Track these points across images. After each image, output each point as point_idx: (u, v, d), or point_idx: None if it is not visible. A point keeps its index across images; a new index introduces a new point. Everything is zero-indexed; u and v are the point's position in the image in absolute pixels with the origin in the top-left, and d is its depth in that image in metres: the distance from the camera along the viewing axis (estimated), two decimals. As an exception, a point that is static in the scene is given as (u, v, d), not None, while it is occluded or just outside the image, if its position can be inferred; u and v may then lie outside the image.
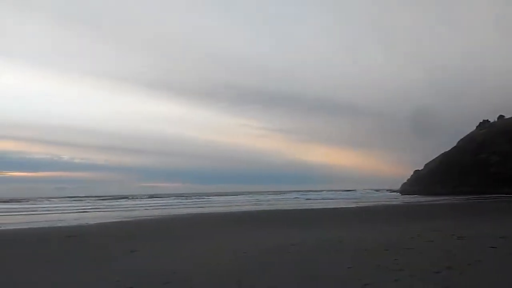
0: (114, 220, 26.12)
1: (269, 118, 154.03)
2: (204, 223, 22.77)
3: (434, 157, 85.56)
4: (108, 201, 66.70)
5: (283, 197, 75.28)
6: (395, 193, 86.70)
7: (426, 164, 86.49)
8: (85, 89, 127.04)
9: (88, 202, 60.46)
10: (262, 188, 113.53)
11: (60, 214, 33.59)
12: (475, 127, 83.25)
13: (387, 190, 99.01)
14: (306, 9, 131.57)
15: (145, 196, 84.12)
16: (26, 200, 67.56)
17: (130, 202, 61.99)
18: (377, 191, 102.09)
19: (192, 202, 60.64)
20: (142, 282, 7.89)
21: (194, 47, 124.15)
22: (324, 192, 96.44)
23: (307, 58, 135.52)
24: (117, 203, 60.51)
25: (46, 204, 55.59)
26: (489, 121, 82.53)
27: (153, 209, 42.22)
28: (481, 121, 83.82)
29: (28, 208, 45.24)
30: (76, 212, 36.52)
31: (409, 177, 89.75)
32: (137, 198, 75.82)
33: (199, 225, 21.71)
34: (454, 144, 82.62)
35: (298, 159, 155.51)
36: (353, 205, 40.63)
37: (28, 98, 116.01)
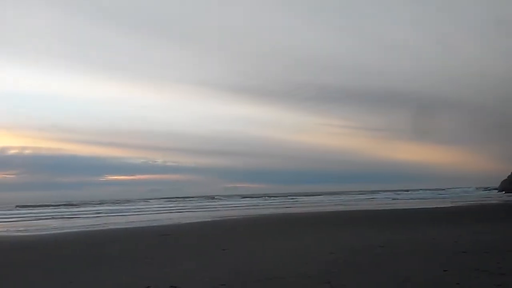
0: (204, 220, 27.15)
1: (353, 116, 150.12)
2: (291, 223, 22.85)
3: (539, 151, 77.96)
4: (197, 201, 69.49)
5: (370, 197, 73.22)
6: (493, 191, 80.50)
7: (529, 159, 79.18)
8: (174, 96, 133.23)
9: (180, 203, 63.42)
10: (349, 188, 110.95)
11: (155, 214, 35.61)
12: None
13: (485, 189, 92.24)
14: (391, 3, 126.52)
15: (233, 197, 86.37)
16: (126, 201, 72.42)
17: (218, 202, 64.08)
18: (477, 189, 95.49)
19: (279, 202, 61.14)
20: (234, 280, 8.10)
21: (273, 48, 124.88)
22: (415, 191, 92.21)
23: (392, 53, 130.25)
24: (206, 203, 62.83)
25: (142, 205, 59.16)
26: None
27: (240, 209, 43.23)
28: None
29: (127, 209, 48.48)
30: (169, 212, 38.48)
31: (509, 174, 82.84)
32: (224, 199, 78.11)
33: (285, 225, 21.84)
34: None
35: (385, 157, 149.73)
36: (447, 205, 38.40)
37: (124, 107, 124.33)
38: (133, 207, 53.04)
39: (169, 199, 79.04)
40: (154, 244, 14.75)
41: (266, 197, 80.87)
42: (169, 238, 16.71)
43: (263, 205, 51.02)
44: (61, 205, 61.05)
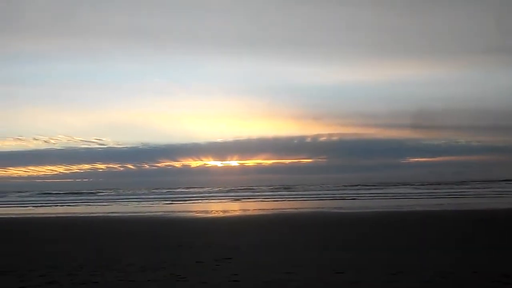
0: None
1: None
2: None
3: None
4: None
5: None
6: None
7: None
8: (476, 69, 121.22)
9: (486, 185, 57.76)
10: None
11: (462, 198, 33.94)
12: None
13: None
14: None
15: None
16: (431, 184, 70.38)
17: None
18: None
19: None
20: None
21: None
22: None
23: None
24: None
25: (447, 188, 56.76)
26: None
27: None
28: None
29: (431, 192, 47.71)
30: (477, 197, 35.88)
31: None
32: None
33: None
34: None
35: None
36: None
37: (420, 87, 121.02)
38: (438, 190, 51.59)
39: (476, 181, 73.03)
40: (472, 230, 14.30)
41: None
42: (485, 223, 15.84)
43: None
44: (370, 186, 64.66)
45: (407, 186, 62.75)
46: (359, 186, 62.89)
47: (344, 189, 56.40)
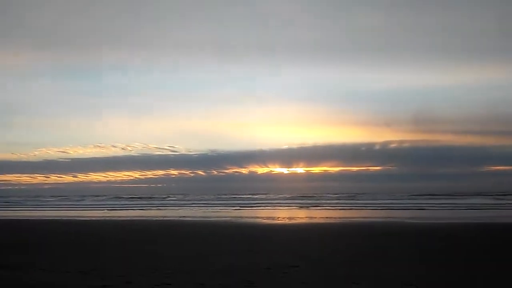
0: None
1: None
2: None
3: None
4: None
5: None
6: None
7: None
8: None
9: None
10: None
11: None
12: None
13: None
14: None
15: None
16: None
17: None
18: None
19: None
20: None
21: None
22: None
23: None
24: None
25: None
26: None
27: None
28: None
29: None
30: None
31: None
32: None
33: None
34: None
35: None
36: None
37: (501, 91, 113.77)
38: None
39: None
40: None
41: None
42: None
43: None
44: (443, 195, 61.59)
45: (487, 196, 59.09)
46: (430, 195, 60.10)
47: (415, 199, 54.11)
